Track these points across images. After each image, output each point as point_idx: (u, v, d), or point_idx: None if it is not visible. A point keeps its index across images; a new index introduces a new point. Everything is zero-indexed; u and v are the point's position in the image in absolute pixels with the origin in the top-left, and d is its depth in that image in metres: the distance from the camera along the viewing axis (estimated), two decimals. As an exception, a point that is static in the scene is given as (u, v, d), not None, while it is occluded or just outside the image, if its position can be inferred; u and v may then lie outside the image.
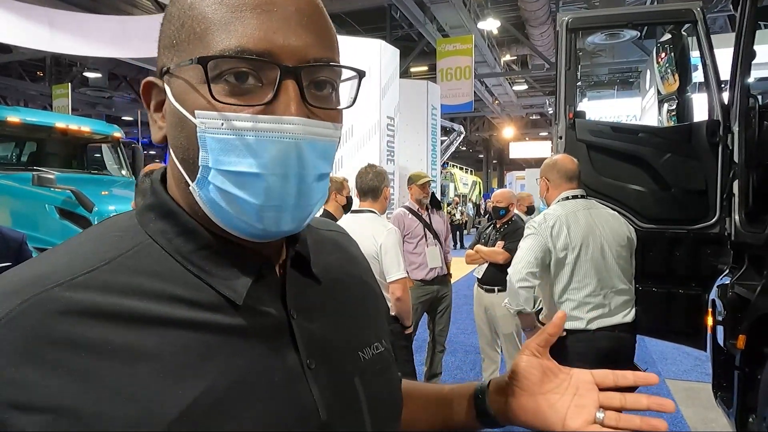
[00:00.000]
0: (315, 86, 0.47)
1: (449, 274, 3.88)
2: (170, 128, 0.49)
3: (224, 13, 0.45)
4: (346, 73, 0.51)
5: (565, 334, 2.21)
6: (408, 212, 3.72)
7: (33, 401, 0.38)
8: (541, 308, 2.47)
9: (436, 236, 3.74)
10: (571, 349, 2.19)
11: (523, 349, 0.66)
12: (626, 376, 0.62)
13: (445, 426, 0.71)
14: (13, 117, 5.69)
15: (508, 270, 2.32)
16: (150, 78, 0.51)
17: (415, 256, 3.61)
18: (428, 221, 3.74)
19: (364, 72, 0.51)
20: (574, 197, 2.36)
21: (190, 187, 0.47)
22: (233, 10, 0.44)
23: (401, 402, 0.62)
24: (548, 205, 2.44)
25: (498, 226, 3.81)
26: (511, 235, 3.65)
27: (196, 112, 0.45)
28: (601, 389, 0.62)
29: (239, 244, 0.50)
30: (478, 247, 3.75)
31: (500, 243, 3.64)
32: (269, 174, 0.45)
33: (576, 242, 2.23)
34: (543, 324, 2.31)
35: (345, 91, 0.53)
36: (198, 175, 0.46)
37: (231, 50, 0.44)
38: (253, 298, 0.48)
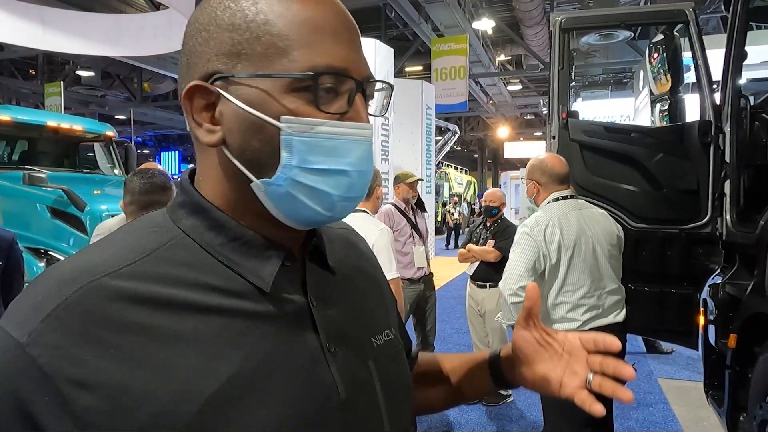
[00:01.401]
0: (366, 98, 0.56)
1: (431, 274, 3.92)
2: (235, 132, 0.52)
3: (308, 34, 0.51)
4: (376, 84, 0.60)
5: None
6: (395, 210, 3.73)
7: (90, 379, 0.43)
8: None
9: (420, 236, 3.77)
10: None
11: (516, 324, 0.73)
12: (596, 341, 0.69)
13: (459, 392, 0.79)
14: (5, 115, 5.64)
15: (500, 284, 2.28)
16: (198, 82, 0.52)
17: (401, 255, 3.62)
18: (414, 221, 3.76)
19: (394, 86, 0.61)
20: (564, 198, 2.33)
21: (252, 184, 0.52)
22: (314, 31, 0.51)
23: (411, 385, 0.68)
24: (537, 207, 2.43)
25: (488, 224, 3.86)
26: (501, 233, 3.72)
27: (283, 117, 0.50)
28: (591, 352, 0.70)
29: (267, 237, 0.55)
30: (470, 246, 3.81)
31: (491, 242, 3.69)
32: (353, 170, 0.53)
33: (569, 244, 2.20)
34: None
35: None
36: (278, 173, 0.51)
37: (321, 67, 0.51)
38: (277, 286, 0.53)
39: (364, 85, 0.54)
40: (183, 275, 0.50)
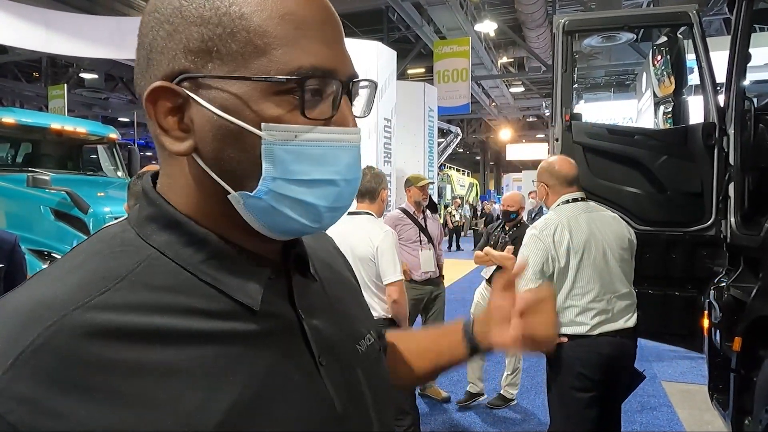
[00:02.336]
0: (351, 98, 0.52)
1: (442, 276, 3.90)
2: (209, 140, 0.46)
3: (289, 30, 0.46)
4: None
5: (566, 339, 2.19)
6: (404, 215, 3.72)
7: (74, 431, 0.37)
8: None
9: (430, 239, 3.74)
10: (572, 354, 2.17)
11: (492, 291, 0.77)
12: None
13: (437, 364, 0.81)
14: (9, 118, 5.66)
15: None
16: (164, 83, 0.46)
17: (410, 257, 3.62)
18: (423, 224, 3.75)
19: (377, 83, 0.56)
20: (574, 200, 2.31)
21: (230, 196, 0.47)
22: (297, 27, 0.46)
23: (391, 385, 0.67)
24: (548, 209, 2.41)
25: (507, 228, 3.84)
26: (521, 239, 3.69)
27: (264, 125, 0.45)
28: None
29: (249, 250, 0.51)
30: (489, 250, 3.76)
31: (510, 248, 3.66)
32: (341, 179, 0.48)
33: (578, 247, 2.17)
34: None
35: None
36: (259, 185, 0.46)
37: (307, 68, 0.46)
38: (265, 302, 0.50)
39: (350, 85, 0.50)
40: (164, 300, 0.45)
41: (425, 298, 3.70)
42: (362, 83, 0.53)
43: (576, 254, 2.18)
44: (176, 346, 0.43)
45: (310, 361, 0.51)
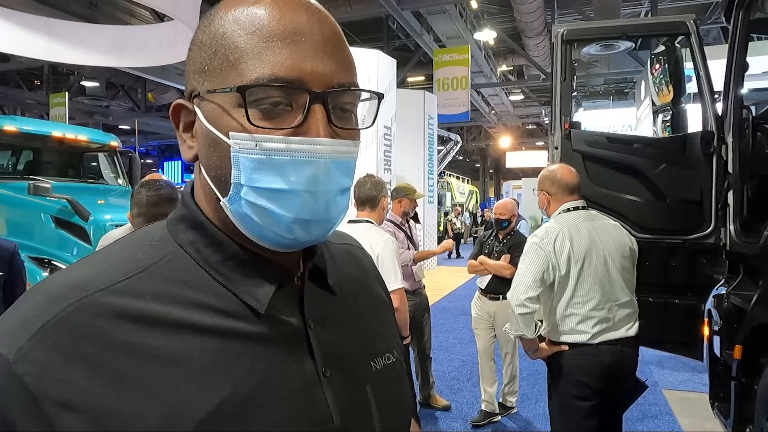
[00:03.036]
0: (339, 109, 0.51)
1: (423, 286, 3.92)
2: (202, 148, 0.52)
3: (256, 43, 0.48)
4: (363, 94, 0.54)
5: (567, 348, 2.19)
6: (393, 225, 3.72)
7: (76, 401, 0.41)
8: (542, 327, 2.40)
9: (416, 248, 3.77)
10: (573, 363, 2.17)
11: None
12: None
13: None
14: (10, 126, 5.68)
15: (507, 294, 2.26)
16: (179, 100, 0.54)
17: (402, 267, 3.63)
18: (410, 233, 3.76)
19: (383, 95, 0.55)
20: (575, 209, 2.31)
21: (221, 202, 0.51)
22: (265, 40, 0.48)
23: (411, 410, 0.66)
24: (549, 218, 2.40)
25: (501, 237, 3.81)
26: (516, 247, 3.66)
27: (231, 134, 0.48)
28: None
29: (263, 256, 0.53)
30: (484, 259, 3.74)
31: (506, 257, 3.65)
32: (302, 191, 0.48)
33: (579, 255, 2.17)
34: (544, 339, 2.28)
35: (361, 109, 0.57)
36: (230, 192, 0.49)
37: (265, 78, 0.47)
38: (273, 307, 0.51)
39: (327, 95, 0.49)
40: (178, 293, 0.48)
41: (414, 309, 3.67)
42: (364, 95, 0.53)
43: (577, 263, 2.17)
44: (180, 336, 0.46)
45: (312, 370, 0.52)
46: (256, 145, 0.48)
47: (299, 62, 0.48)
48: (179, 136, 0.55)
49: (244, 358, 0.48)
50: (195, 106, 0.51)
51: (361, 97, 0.54)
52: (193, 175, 0.59)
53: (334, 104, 0.50)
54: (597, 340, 2.16)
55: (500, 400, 3.87)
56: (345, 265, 0.64)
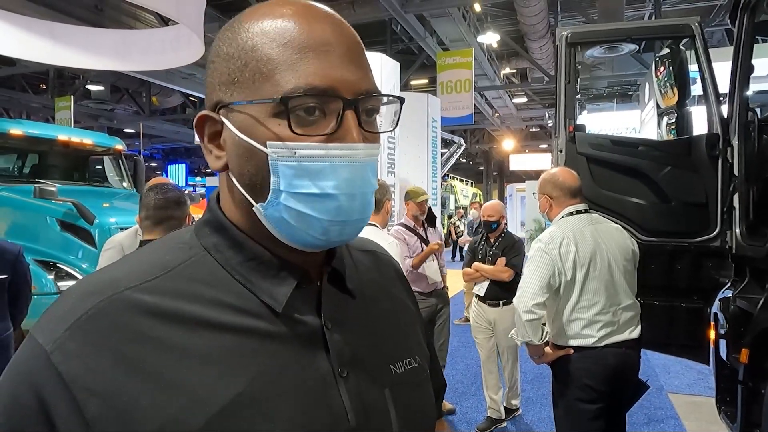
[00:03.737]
0: (366, 114, 0.54)
1: (446, 287, 3.88)
2: (234, 157, 0.53)
3: (290, 55, 0.50)
4: (383, 98, 0.57)
5: (573, 351, 2.19)
6: (405, 229, 3.71)
7: (103, 388, 0.45)
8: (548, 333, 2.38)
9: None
10: (579, 366, 2.17)
11: None
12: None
13: None
14: (16, 129, 5.71)
15: (514, 300, 2.26)
16: (205, 112, 0.55)
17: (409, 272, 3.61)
18: (425, 236, 3.74)
19: (404, 99, 0.58)
20: (578, 212, 2.31)
21: (254, 208, 0.53)
22: (297, 52, 0.50)
23: (435, 416, 0.67)
24: (550, 221, 2.40)
25: (492, 240, 3.77)
26: (510, 249, 3.65)
27: (269, 143, 0.50)
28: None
29: (284, 258, 0.55)
30: (479, 265, 3.70)
31: (501, 260, 3.62)
32: (340, 194, 0.51)
33: (585, 260, 2.17)
34: (550, 345, 2.28)
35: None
36: (269, 198, 0.52)
37: (302, 88, 0.49)
38: (291, 307, 0.54)
39: (357, 102, 0.52)
40: (200, 292, 0.51)
41: (431, 310, 3.68)
42: (385, 99, 0.56)
43: (582, 267, 2.17)
44: (201, 332, 0.49)
45: (328, 371, 0.53)
46: (295, 153, 0.50)
47: (331, 71, 0.50)
48: (204, 146, 0.56)
49: (261, 356, 0.50)
50: (223, 117, 0.53)
51: (383, 102, 0.57)
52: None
53: (362, 109, 0.53)
54: (602, 344, 2.16)
55: (505, 404, 3.86)
56: (367, 271, 0.66)
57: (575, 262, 2.17)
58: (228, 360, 0.49)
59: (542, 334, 2.22)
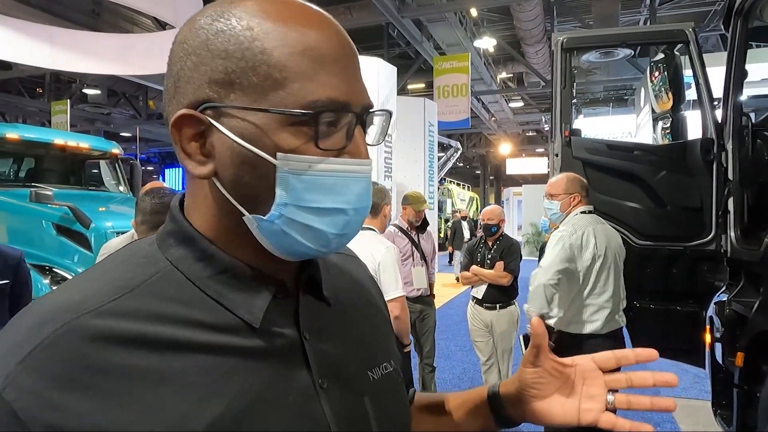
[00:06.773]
0: (365, 127, 0.53)
1: (432, 295, 3.87)
2: (227, 165, 0.49)
3: (307, 65, 0.47)
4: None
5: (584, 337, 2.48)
6: (398, 230, 3.72)
7: (68, 424, 0.41)
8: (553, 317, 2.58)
9: (423, 257, 3.73)
10: (587, 351, 2.21)
11: (523, 362, 0.67)
12: (627, 356, 0.65)
13: (461, 428, 0.73)
14: (12, 133, 5.69)
15: (533, 273, 2.51)
16: (189, 111, 0.49)
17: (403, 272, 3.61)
18: (417, 241, 3.75)
19: (392, 112, 0.57)
20: (590, 212, 2.61)
21: (245, 218, 0.49)
22: (315, 62, 0.48)
23: (410, 420, 0.65)
24: (559, 219, 2.67)
25: (490, 244, 3.77)
26: (507, 252, 3.65)
27: (279, 154, 0.47)
28: (606, 371, 0.66)
29: (257, 268, 0.52)
30: (478, 269, 3.69)
31: (500, 264, 3.62)
32: (350, 208, 0.50)
33: (600, 251, 2.47)
34: (553, 329, 2.53)
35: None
36: (271, 210, 0.48)
37: (323, 101, 0.47)
38: (268, 320, 0.51)
39: (365, 116, 0.51)
40: (170, 311, 0.47)
41: (414, 317, 3.65)
42: (377, 112, 0.54)
43: (599, 258, 2.48)
44: (173, 355, 0.45)
45: (309, 383, 0.52)
46: (310, 167, 0.48)
47: (348, 85, 0.49)
48: (182, 150, 0.50)
49: (240, 374, 0.47)
50: (212, 119, 0.48)
51: (377, 114, 0.56)
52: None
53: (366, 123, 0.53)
54: (605, 330, 2.48)
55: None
56: (339, 275, 0.64)
57: (594, 253, 2.47)
58: (205, 382, 0.45)
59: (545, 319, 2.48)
